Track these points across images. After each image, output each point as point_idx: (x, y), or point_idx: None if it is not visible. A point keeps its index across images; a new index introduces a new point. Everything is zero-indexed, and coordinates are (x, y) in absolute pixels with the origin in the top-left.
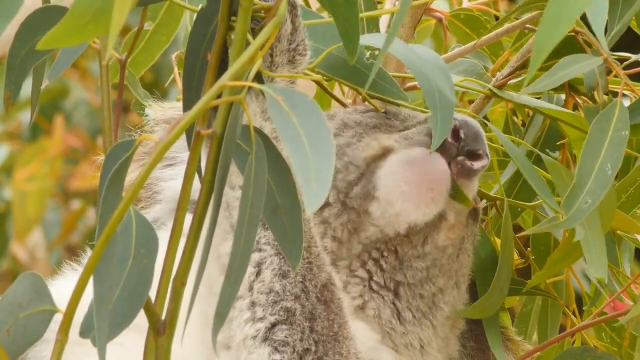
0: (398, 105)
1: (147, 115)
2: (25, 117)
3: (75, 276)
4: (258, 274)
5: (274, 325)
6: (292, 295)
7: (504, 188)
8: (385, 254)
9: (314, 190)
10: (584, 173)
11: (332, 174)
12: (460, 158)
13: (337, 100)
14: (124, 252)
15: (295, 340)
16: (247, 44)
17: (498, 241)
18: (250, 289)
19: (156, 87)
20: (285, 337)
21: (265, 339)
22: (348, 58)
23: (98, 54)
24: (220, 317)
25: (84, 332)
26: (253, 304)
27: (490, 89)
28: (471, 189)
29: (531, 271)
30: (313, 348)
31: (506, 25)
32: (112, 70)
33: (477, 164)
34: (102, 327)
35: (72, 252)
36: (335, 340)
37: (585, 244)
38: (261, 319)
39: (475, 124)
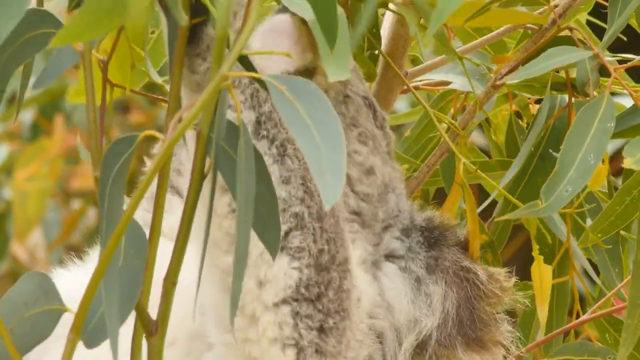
0: None
1: None
2: (25, 117)
3: (78, 273)
4: None
5: (287, 233)
6: (298, 199)
7: (507, 188)
8: None
9: (329, 182)
10: (566, 162)
11: (346, 164)
12: None
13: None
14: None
15: (310, 243)
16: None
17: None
18: None
19: (155, 88)
20: (300, 242)
21: (282, 249)
22: None
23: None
24: (235, 300)
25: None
26: None
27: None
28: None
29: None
30: (326, 247)
31: (507, 26)
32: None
33: None
34: (114, 325)
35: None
36: (342, 238)
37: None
38: None
39: None
